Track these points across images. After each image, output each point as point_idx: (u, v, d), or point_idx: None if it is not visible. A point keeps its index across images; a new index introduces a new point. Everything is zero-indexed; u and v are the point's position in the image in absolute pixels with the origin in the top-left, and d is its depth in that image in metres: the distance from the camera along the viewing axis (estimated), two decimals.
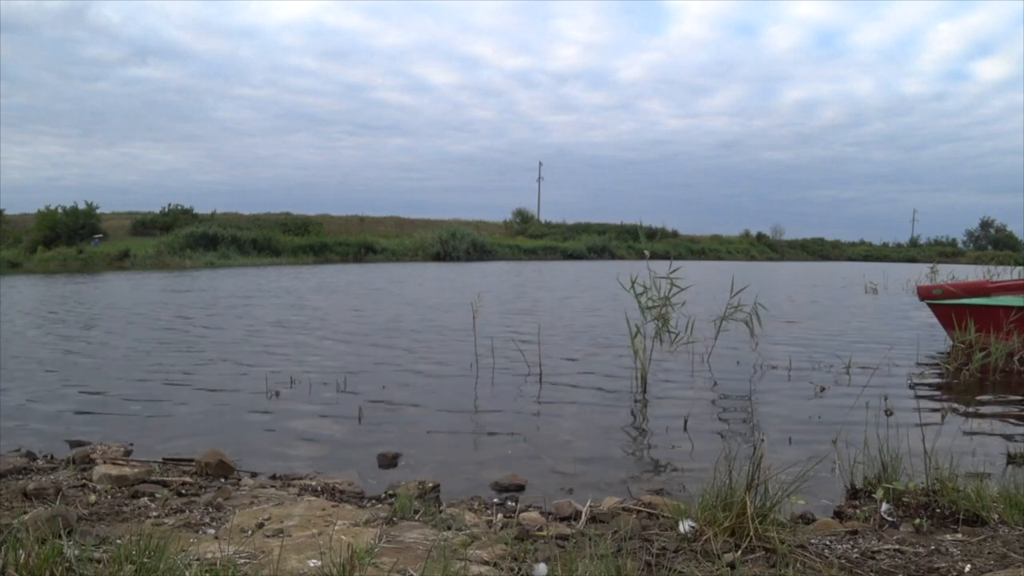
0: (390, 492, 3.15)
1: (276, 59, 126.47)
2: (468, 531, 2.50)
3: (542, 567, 2.05)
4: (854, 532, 2.43)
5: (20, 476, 3.16)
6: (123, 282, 19.85)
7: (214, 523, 2.56)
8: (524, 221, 57.52)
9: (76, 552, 1.92)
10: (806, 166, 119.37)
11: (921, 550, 2.24)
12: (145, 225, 41.97)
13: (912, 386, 5.97)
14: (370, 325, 9.93)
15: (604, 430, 4.53)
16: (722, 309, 6.63)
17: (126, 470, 3.13)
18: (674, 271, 6.06)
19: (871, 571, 2.08)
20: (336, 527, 2.48)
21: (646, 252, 6.22)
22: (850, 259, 59.90)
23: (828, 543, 2.32)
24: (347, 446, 4.15)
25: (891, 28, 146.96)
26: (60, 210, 37.25)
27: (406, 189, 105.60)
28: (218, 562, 1.99)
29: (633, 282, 6.03)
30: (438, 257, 38.54)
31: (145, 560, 1.88)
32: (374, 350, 7.65)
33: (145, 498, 2.87)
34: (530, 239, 49.78)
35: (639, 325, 5.83)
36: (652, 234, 55.36)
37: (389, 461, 3.79)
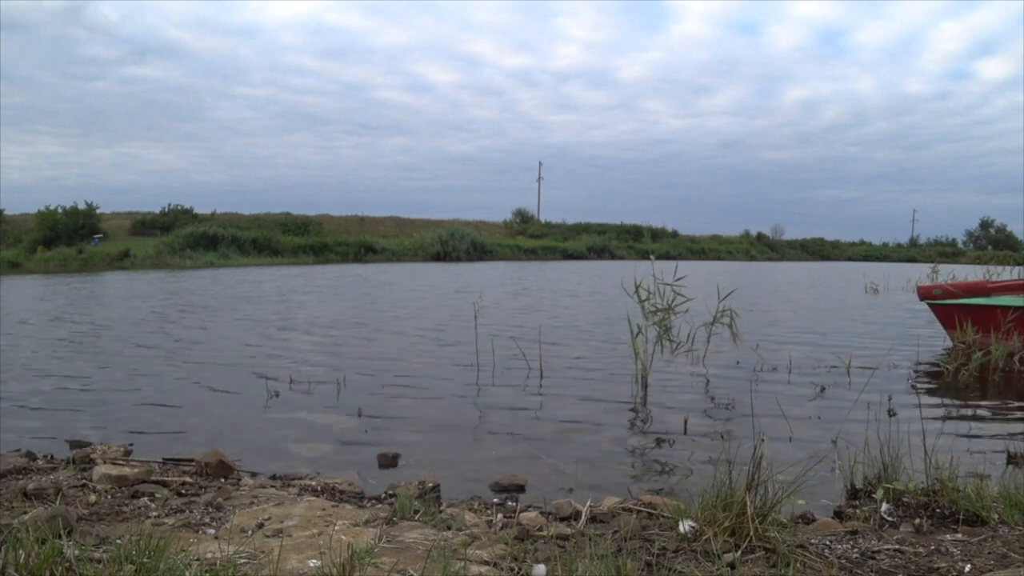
0: (390, 492, 3.15)
1: (275, 58, 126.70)
2: (468, 531, 2.50)
3: (541, 568, 2.05)
4: (854, 532, 2.43)
5: (20, 476, 3.15)
6: (123, 282, 19.85)
7: (214, 523, 2.56)
8: (524, 221, 57.50)
9: (76, 552, 1.92)
10: (807, 166, 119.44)
11: (921, 550, 2.24)
12: (145, 225, 42.00)
13: (912, 386, 5.97)
14: (370, 325, 9.94)
15: (604, 430, 4.53)
16: (715, 312, 6.64)
17: (126, 470, 3.13)
18: (679, 279, 6.07)
19: (871, 571, 2.08)
20: (336, 527, 2.48)
21: (652, 255, 6.23)
22: (850, 259, 59.92)
23: (828, 543, 2.32)
24: (347, 446, 4.15)
25: (894, 27, 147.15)
26: (60, 210, 37.27)
27: (406, 189, 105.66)
28: (218, 562, 1.99)
29: (637, 287, 6.02)
30: (438, 257, 38.53)
31: (145, 560, 1.88)
32: (374, 350, 7.65)
33: (145, 498, 2.87)
34: (530, 239, 49.77)
35: (640, 326, 5.83)
36: (652, 234, 55.36)
37: (389, 461, 3.79)
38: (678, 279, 6.09)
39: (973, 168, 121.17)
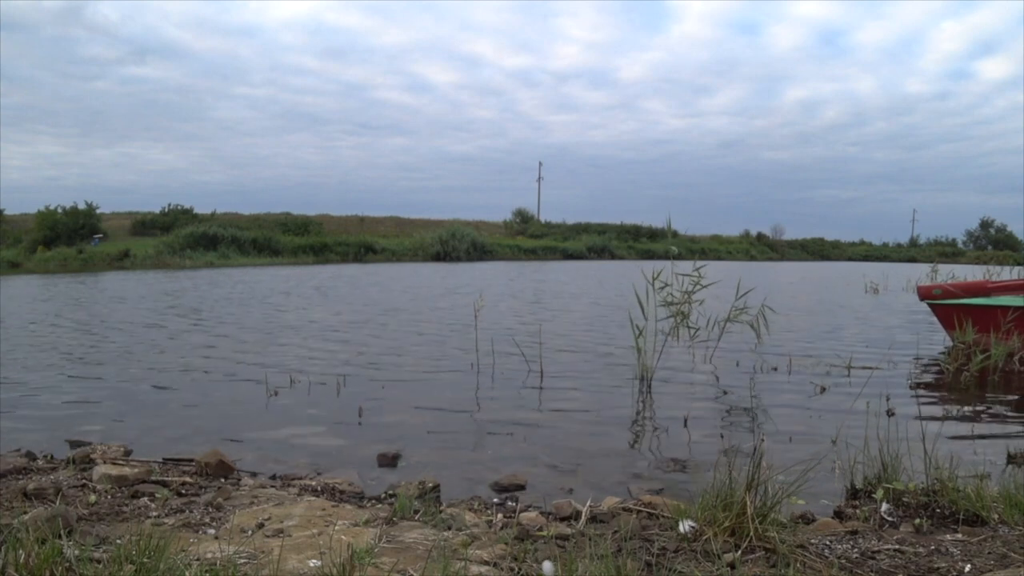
0: (390, 492, 3.15)
1: (275, 58, 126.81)
2: (468, 531, 2.50)
3: (548, 565, 2.05)
4: (854, 532, 2.43)
5: (20, 476, 3.15)
6: (123, 282, 19.85)
7: (214, 523, 2.56)
8: (524, 221, 57.49)
9: (76, 552, 1.92)
10: (807, 166, 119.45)
11: (921, 550, 2.24)
12: (145, 225, 42.02)
13: (912, 386, 5.97)
14: (370, 325, 9.93)
15: (604, 430, 4.53)
16: (724, 310, 6.63)
17: (126, 470, 3.13)
18: (699, 268, 6.10)
19: (871, 571, 2.08)
20: (336, 527, 2.48)
21: (673, 249, 6.23)
22: (850, 259, 59.92)
23: (828, 543, 2.32)
24: (347, 446, 4.15)
25: (894, 27, 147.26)
26: (60, 210, 37.28)
27: (406, 189, 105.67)
28: (218, 562, 1.99)
29: (655, 277, 6.03)
30: (438, 257, 38.53)
31: (145, 560, 1.88)
32: (374, 350, 7.65)
33: (145, 498, 2.87)
34: (530, 239, 49.77)
35: (640, 326, 5.83)
36: (652, 234, 55.33)
37: (389, 461, 3.79)
38: (699, 267, 6.11)
39: (973, 168, 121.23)
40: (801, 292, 18.00)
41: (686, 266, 6.24)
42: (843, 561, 2.14)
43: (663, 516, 2.61)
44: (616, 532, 2.41)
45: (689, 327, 6.13)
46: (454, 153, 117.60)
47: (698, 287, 6.08)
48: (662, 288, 6.03)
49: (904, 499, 2.72)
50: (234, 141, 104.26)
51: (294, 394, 5.46)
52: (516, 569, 2.09)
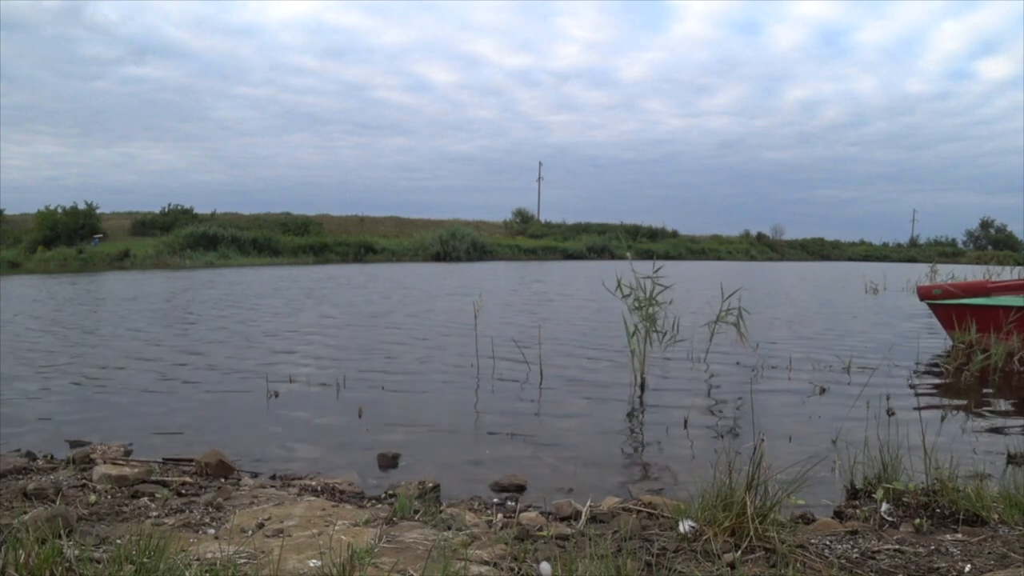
0: (390, 492, 3.15)
1: (275, 58, 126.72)
2: (468, 531, 2.50)
3: (546, 566, 2.05)
4: (854, 532, 2.43)
5: (20, 476, 3.16)
6: (123, 282, 19.85)
7: (214, 523, 2.56)
8: (524, 221, 57.50)
9: (76, 552, 1.92)
10: (807, 166, 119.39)
11: (921, 550, 2.24)
12: (145, 225, 42.04)
13: (912, 386, 5.97)
14: (369, 325, 9.94)
15: (604, 430, 4.54)
16: (715, 310, 6.62)
17: (126, 470, 3.13)
18: (657, 270, 6.06)
19: (871, 571, 2.08)
20: (336, 527, 2.48)
21: (628, 255, 6.26)
22: (850, 259, 59.93)
23: (828, 543, 2.32)
24: (347, 446, 4.15)
25: (895, 27, 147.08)
26: (60, 210, 37.30)
27: (406, 189, 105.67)
28: (218, 562, 1.99)
29: (619, 284, 6.01)
30: (438, 257, 38.54)
31: (145, 560, 1.88)
32: (374, 350, 7.65)
33: (145, 498, 2.87)
34: (530, 239, 49.77)
35: (636, 325, 5.83)
36: (652, 234, 55.36)
37: (389, 461, 3.79)
38: (657, 269, 6.07)
39: (973, 168, 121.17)
40: (801, 293, 17.99)
41: (654, 266, 6.19)
42: (843, 561, 2.14)
43: (663, 516, 2.61)
44: (616, 532, 2.41)
45: (658, 331, 6.04)
46: (454, 153, 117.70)
47: (658, 288, 6.01)
48: (628, 295, 6.01)
49: (904, 499, 2.72)
50: (234, 141, 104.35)
51: (294, 395, 5.46)
52: (516, 569, 2.10)
